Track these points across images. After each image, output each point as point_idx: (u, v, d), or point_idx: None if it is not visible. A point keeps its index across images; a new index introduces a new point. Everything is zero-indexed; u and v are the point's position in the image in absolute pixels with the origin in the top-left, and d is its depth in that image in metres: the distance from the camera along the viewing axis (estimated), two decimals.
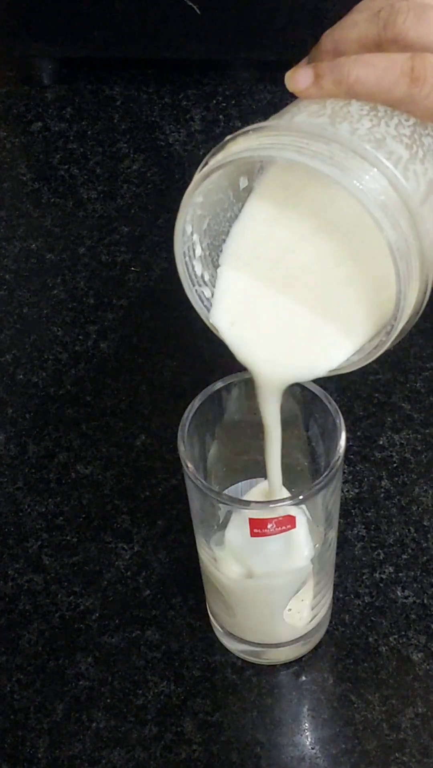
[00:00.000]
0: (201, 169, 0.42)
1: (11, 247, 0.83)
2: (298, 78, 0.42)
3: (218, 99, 0.96)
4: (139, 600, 0.61)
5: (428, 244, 0.40)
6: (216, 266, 0.46)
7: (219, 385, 0.53)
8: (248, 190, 0.46)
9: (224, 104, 0.96)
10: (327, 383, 0.70)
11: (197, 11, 0.87)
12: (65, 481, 0.67)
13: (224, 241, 0.46)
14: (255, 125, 0.41)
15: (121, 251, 0.82)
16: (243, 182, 0.45)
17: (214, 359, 0.73)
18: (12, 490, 0.67)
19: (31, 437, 0.70)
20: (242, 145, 0.41)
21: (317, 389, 0.51)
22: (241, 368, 0.52)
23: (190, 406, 0.51)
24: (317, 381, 0.53)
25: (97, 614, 0.61)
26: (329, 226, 0.44)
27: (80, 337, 0.76)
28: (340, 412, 0.51)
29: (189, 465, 0.49)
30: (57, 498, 0.66)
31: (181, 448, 0.50)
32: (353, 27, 0.42)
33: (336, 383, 0.71)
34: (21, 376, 0.74)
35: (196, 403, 0.52)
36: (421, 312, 0.42)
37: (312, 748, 0.55)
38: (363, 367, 0.45)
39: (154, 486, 0.67)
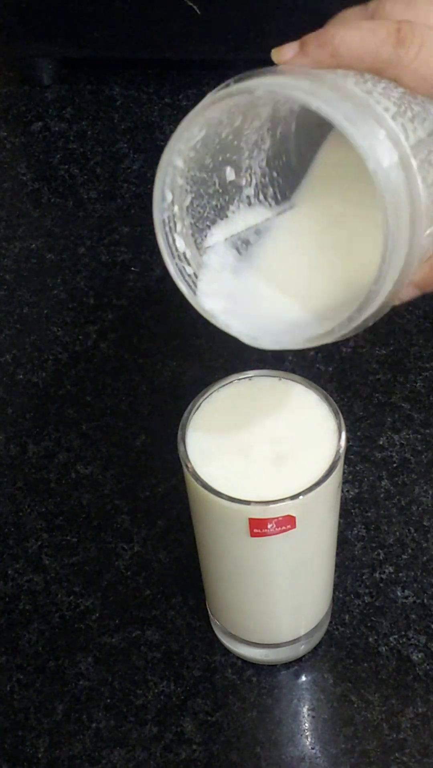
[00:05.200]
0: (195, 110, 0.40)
1: (11, 247, 0.83)
2: (284, 50, 0.42)
3: None
4: (139, 600, 0.61)
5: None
6: (199, 248, 0.45)
7: (219, 385, 0.53)
8: (236, 186, 0.45)
9: None
10: (327, 383, 0.71)
11: (197, 11, 0.87)
12: (65, 481, 0.67)
13: (208, 227, 0.45)
14: (265, 69, 0.40)
15: (121, 251, 0.82)
16: (230, 174, 0.44)
17: (214, 359, 0.73)
18: (12, 490, 0.67)
19: (31, 437, 0.70)
20: (256, 81, 0.39)
21: (317, 389, 0.51)
22: (240, 368, 0.52)
23: (190, 406, 0.51)
24: (318, 381, 0.53)
25: (97, 614, 0.61)
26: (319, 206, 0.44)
27: (80, 337, 0.76)
28: (340, 412, 0.51)
29: (189, 465, 0.49)
30: (57, 498, 0.66)
31: (181, 448, 0.50)
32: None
33: (336, 383, 0.71)
34: (21, 376, 0.74)
35: (196, 403, 0.52)
36: (396, 297, 0.40)
37: (312, 748, 0.55)
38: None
39: (154, 486, 0.66)
